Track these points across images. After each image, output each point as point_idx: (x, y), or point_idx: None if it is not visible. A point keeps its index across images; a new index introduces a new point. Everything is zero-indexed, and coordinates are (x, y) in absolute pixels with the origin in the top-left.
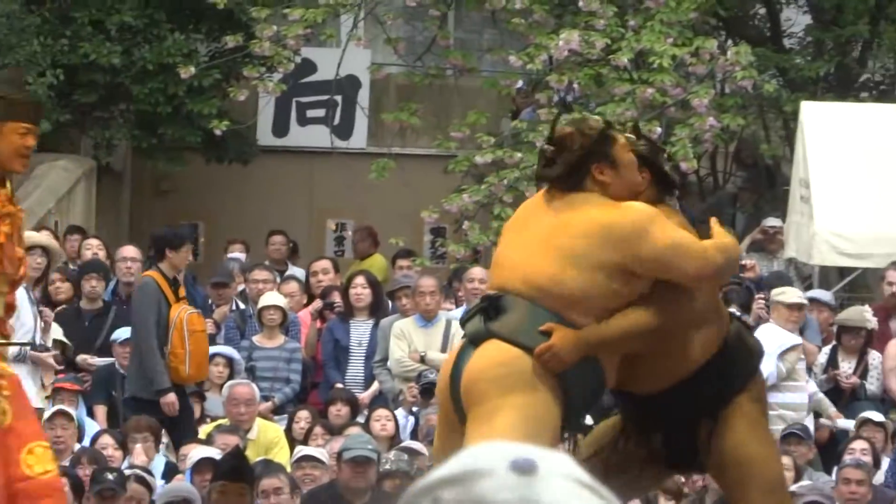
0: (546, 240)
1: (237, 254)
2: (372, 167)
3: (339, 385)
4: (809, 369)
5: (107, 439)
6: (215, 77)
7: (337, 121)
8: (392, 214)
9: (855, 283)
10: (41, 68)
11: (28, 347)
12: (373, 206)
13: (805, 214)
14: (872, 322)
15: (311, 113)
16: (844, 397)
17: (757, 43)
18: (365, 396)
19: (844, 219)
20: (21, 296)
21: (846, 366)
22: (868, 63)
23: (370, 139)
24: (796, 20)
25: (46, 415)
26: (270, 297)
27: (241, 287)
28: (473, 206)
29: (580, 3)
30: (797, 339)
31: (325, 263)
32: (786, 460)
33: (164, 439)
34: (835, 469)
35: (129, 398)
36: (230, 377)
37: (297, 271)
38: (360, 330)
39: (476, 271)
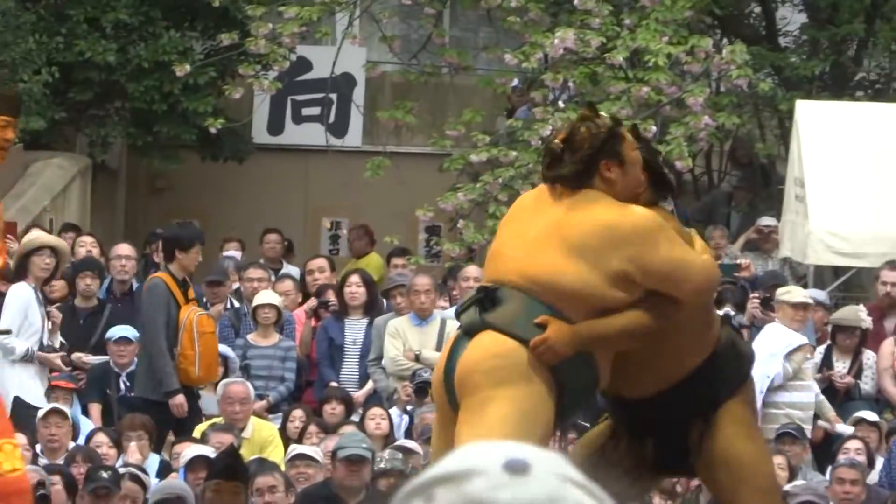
0: (547, 235)
1: (232, 252)
2: (367, 165)
3: (334, 384)
4: None
5: (101, 438)
6: (210, 75)
7: (332, 119)
8: (387, 213)
9: (849, 283)
10: (36, 66)
11: (35, 347)
12: (368, 204)
13: (800, 213)
14: (867, 321)
15: (306, 111)
16: (839, 397)
17: (752, 41)
18: (359, 395)
19: (839, 218)
20: (30, 296)
21: (841, 365)
22: (863, 62)
23: (365, 137)
24: (791, 19)
25: (41, 413)
26: (265, 296)
27: (235, 285)
28: (468, 205)
29: (575, 2)
30: (803, 339)
31: (321, 262)
32: (780, 460)
33: (171, 438)
34: (829, 469)
35: (138, 399)
36: (225, 375)
37: (291, 270)
38: (354, 328)
39: (471, 270)
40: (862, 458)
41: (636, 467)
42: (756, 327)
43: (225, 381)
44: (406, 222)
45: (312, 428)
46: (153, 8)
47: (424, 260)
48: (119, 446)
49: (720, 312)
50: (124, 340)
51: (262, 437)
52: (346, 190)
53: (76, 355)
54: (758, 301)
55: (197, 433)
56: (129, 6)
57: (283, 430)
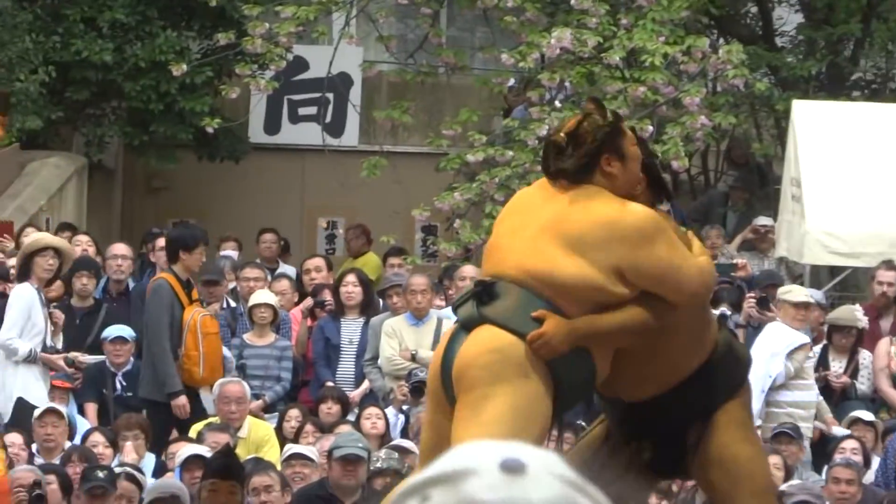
0: (546, 229)
1: (229, 251)
2: (363, 165)
3: (330, 383)
4: None
5: (97, 437)
6: (207, 74)
7: (329, 118)
8: (383, 212)
9: (846, 282)
10: (33, 65)
11: (38, 348)
12: (364, 204)
13: (796, 213)
14: (863, 321)
15: (302, 110)
16: (835, 397)
17: (749, 41)
18: (355, 395)
19: (836, 218)
20: (33, 297)
21: (837, 365)
22: (860, 62)
23: (362, 137)
24: (788, 19)
25: (37, 413)
26: (261, 296)
27: (232, 285)
28: (465, 205)
29: (572, 2)
30: (805, 338)
31: (318, 261)
32: (776, 459)
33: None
34: (825, 468)
35: (143, 400)
36: (221, 375)
37: (288, 269)
38: (350, 328)
39: (467, 269)
40: (858, 458)
41: (633, 469)
42: (752, 327)
43: (221, 380)
44: (402, 222)
45: (308, 427)
46: (150, 7)
47: (421, 259)
48: (115, 446)
49: (716, 312)
50: (120, 340)
51: (259, 436)
52: (343, 189)
53: (73, 354)
54: (754, 301)
55: (193, 433)
56: (125, 6)
57: (279, 429)
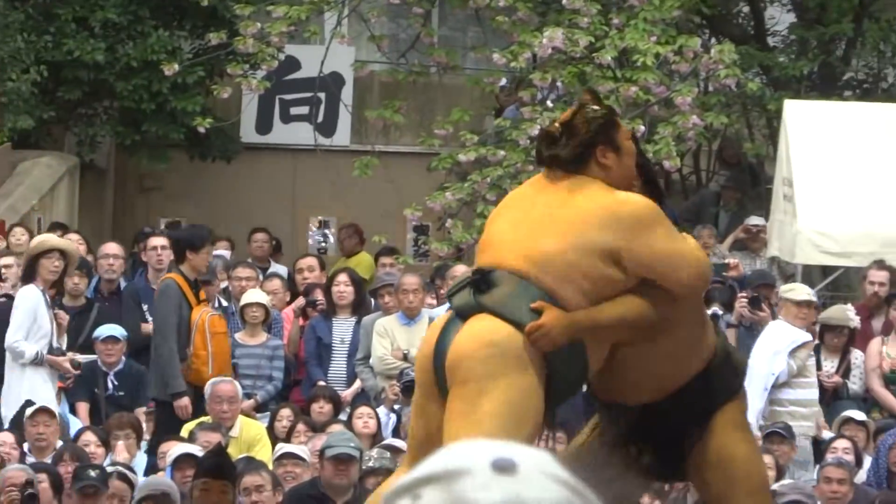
0: (544, 218)
1: (221, 251)
2: (355, 164)
3: (322, 383)
4: None
5: (89, 436)
6: (199, 74)
7: (320, 118)
8: (375, 212)
9: (837, 282)
10: (25, 65)
11: (44, 350)
12: (356, 203)
13: (788, 213)
14: (855, 321)
15: (294, 110)
16: (827, 397)
17: (740, 41)
18: (347, 394)
19: (827, 217)
20: (38, 299)
21: (829, 365)
22: (851, 62)
23: (353, 136)
24: (780, 18)
25: (28, 412)
26: (253, 295)
27: (223, 284)
28: (457, 204)
29: (564, 1)
30: (807, 336)
31: (311, 261)
32: (768, 459)
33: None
34: (816, 468)
35: (153, 401)
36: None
37: (279, 269)
38: (342, 327)
39: (459, 269)
40: (850, 458)
41: (628, 471)
42: (744, 326)
43: (213, 380)
44: (394, 221)
45: (300, 427)
46: (141, 7)
47: (412, 259)
48: (107, 445)
49: (708, 311)
50: (112, 339)
51: (250, 435)
52: (335, 189)
53: (71, 355)
54: (746, 300)
55: (184, 432)
56: (117, 5)
57: (270, 428)
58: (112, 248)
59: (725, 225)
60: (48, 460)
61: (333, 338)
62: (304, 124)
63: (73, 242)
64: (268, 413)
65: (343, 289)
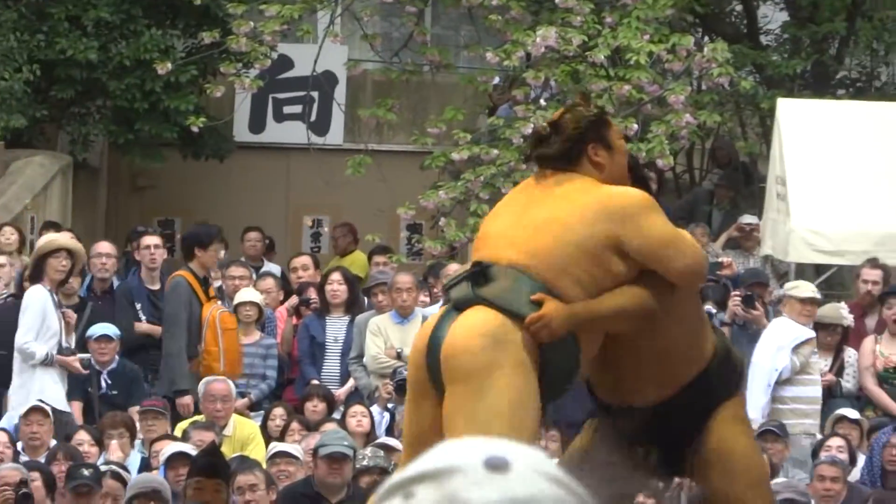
0: (540, 213)
1: None
2: (348, 163)
3: (315, 381)
4: None
5: (83, 435)
6: (192, 73)
7: (313, 117)
8: (368, 211)
9: (831, 280)
10: (17, 64)
11: (54, 350)
12: (349, 202)
13: (781, 211)
14: (848, 319)
15: (287, 109)
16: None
17: (733, 40)
18: (341, 393)
19: (820, 216)
20: (46, 299)
21: (822, 363)
22: (844, 60)
23: (347, 135)
24: (773, 17)
25: (22, 410)
26: (246, 294)
27: (217, 283)
28: (450, 203)
29: (557, 0)
30: (811, 333)
31: (305, 259)
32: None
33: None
34: (810, 466)
35: (164, 398)
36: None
37: (273, 268)
38: (336, 326)
39: (452, 268)
40: (843, 456)
41: (636, 472)
42: (737, 325)
43: (206, 378)
44: (387, 220)
45: (294, 425)
46: (134, 6)
47: (406, 258)
48: (100, 444)
49: None
50: (105, 338)
51: (244, 434)
52: (328, 188)
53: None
54: (739, 299)
55: (178, 431)
56: (110, 4)
57: (264, 427)
58: (105, 247)
59: (719, 223)
60: (42, 459)
61: (327, 336)
62: (298, 123)
63: (78, 242)
64: (261, 412)
65: (336, 287)
